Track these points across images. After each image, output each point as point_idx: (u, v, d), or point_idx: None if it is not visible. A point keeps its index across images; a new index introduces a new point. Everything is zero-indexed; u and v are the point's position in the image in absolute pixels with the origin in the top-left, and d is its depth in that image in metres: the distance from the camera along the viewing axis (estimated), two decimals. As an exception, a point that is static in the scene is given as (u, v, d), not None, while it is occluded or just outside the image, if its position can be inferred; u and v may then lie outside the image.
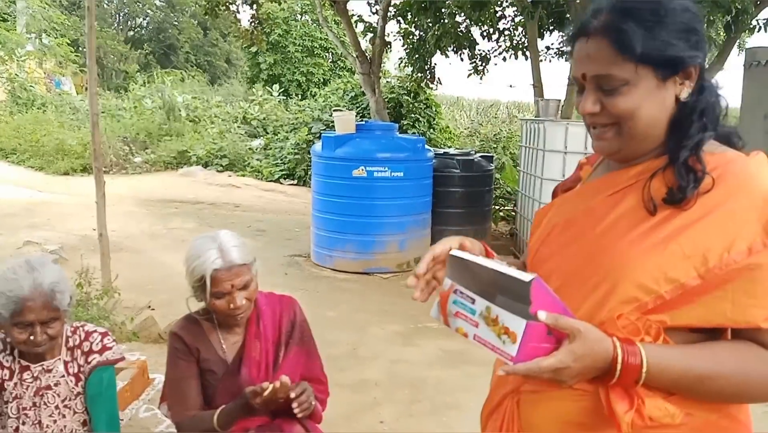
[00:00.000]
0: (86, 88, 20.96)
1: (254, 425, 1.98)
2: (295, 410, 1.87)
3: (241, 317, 1.97)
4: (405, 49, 10.61)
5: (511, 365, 1.00)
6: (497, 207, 9.19)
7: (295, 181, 12.18)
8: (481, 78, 11.14)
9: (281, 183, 12.18)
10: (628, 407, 1.07)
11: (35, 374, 1.94)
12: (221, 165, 13.07)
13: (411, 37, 10.29)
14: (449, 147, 11.81)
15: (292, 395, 1.85)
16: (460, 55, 10.54)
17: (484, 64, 10.85)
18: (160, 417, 3.25)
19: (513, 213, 8.69)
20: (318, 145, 6.77)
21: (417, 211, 6.74)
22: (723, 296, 1.05)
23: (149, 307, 4.49)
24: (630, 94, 1.08)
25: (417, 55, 10.38)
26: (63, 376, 1.97)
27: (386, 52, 10.17)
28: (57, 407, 1.96)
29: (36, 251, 6.16)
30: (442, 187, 7.20)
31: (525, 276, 1.00)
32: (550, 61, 10.30)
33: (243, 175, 12.70)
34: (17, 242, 6.49)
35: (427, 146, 7.19)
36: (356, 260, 6.45)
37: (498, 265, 1.05)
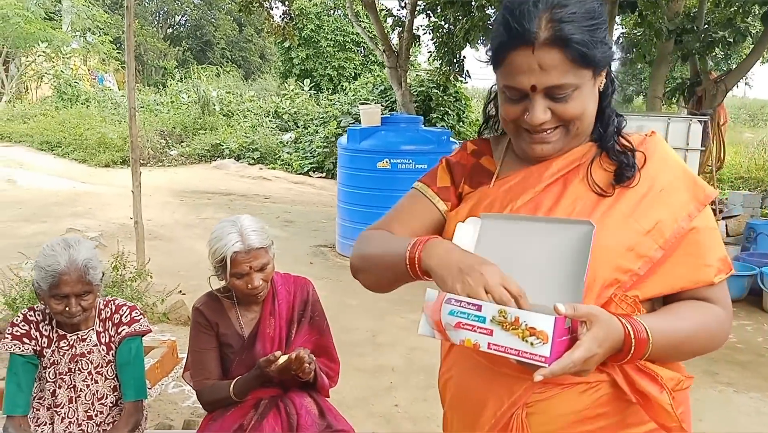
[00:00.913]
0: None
1: (267, 396, 2.15)
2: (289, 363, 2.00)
3: (258, 296, 2.13)
4: (434, 43, 10.69)
5: (547, 368, 0.94)
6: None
7: (324, 174, 12.39)
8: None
9: (310, 176, 12.42)
10: (660, 388, 1.10)
11: (71, 343, 2.14)
12: (253, 158, 13.38)
13: (440, 30, 10.37)
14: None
15: (293, 356, 1.99)
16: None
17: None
18: (187, 393, 3.46)
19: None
20: (344, 138, 6.93)
21: (441, 203, 6.84)
22: (678, 262, 1.14)
23: (179, 291, 4.72)
24: (579, 98, 1.12)
25: (446, 49, 10.45)
26: (96, 345, 2.16)
27: (415, 46, 10.25)
28: (90, 373, 2.16)
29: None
30: (466, 180, 7.28)
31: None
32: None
33: (273, 168, 12.98)
34: (61, 230, 6.84)
35: (453, 139, 7.28)
36: (380, 251, 6.59)
37: None
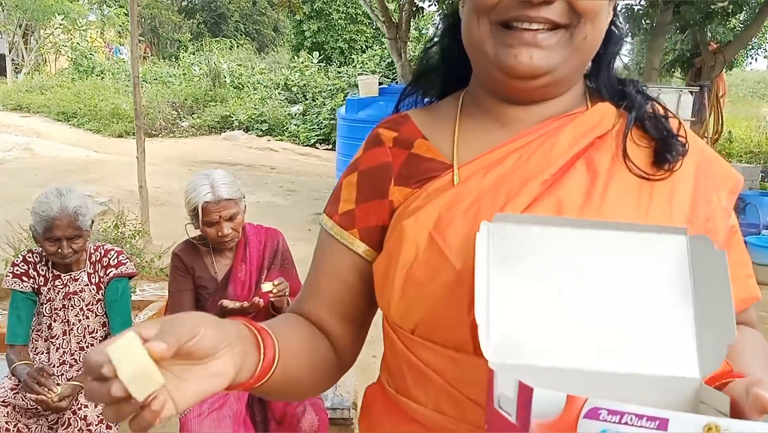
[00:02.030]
0: (144, 57, 21.95)
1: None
2: (272, 297, 2.23)
3: (228, 243, 2.36)
4: (439, 14, 10.75)
5: None
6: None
7: (330, 146, 12.61)
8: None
9: (317, 147, 12.65)
10: None
11: (65, 282, 2.41)
12: (261, 130, 13.62)
13: (445, 2, 10.41)
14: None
15: (275, 282, 2.23)
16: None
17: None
18: (181, 341, 3.75)
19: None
20: (343, 109, 7.13)
21: (437, 172, 7.03)
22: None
23: (179, 251, 5.02)
24: None
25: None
26: (87, 284, 2.43)
27: (418, 17, 10.32)
28: (82, 309, 2.42)
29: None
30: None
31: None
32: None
33: (281, 140, 13.22)
34: (71, 196, 7.16)
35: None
36: (375, 217, 6.83)
37: None
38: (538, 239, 0.66)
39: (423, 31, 16.14)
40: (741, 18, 9.66)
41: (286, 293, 2.29)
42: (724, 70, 8.03)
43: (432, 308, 0.74)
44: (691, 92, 6.20)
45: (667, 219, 0.75)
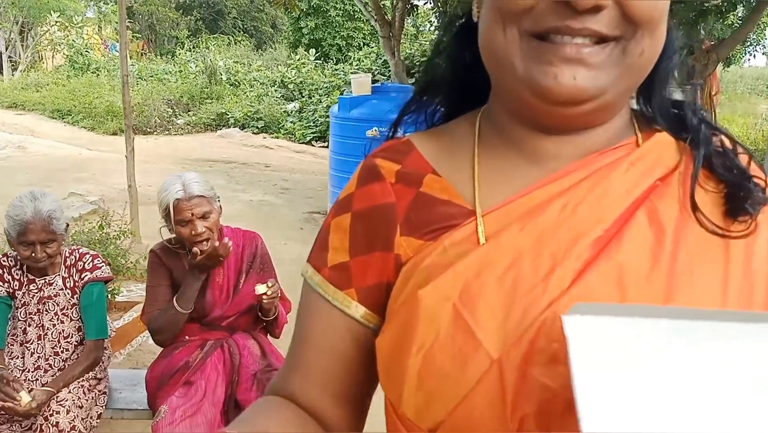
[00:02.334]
0: (141, 54, 21.90)
1: (213, 338, 2.37)
2: (264, 300, 2.23)
3: (203, 244, 2.32)
4: (434, 13, 10.72)
5: None
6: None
7: (326, 144, 12.54)
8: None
9: (312, 145, 12.60)
10: None
11: (39, 286, 2.38)
12: (257, 127, 13.58)
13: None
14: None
15: (269, 284, 2.24)
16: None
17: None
18: (166, 342, 3.72)
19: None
20: (336, 107, 7.10)
21: (430, 171, 7.01)
22: None
23: (168, 251, 4.99)
24: None
25: (446, 18, 10.48)
26: (62, 289, 2.40)
27: (412, 15, 10.29)
28: (56, 314, 2.40)
29: (79, 201, 6.78)
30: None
31: None
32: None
33: (277, 137, 13.17)
34: (63, 194, 7.11)
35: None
36: (367, 217, 6.81)
37: None
38: (634, 336, 0.49)
39: (420, 29, 16.11)
40: (739, 14, 9.62)
41: (278, 296, 2.27)
42: (717, 68, 7.99)
43: (461, 404, 0.57)
44: (683, 91, 6.16)
45: (749, 288, 0.59)
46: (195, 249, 2.22)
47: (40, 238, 2.24)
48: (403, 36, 9.88)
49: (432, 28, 12.00)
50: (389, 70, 12.95)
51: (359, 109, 6.77)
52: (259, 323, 2.46)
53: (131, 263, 4.34)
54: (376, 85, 7.27)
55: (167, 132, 13.44)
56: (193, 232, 2.25)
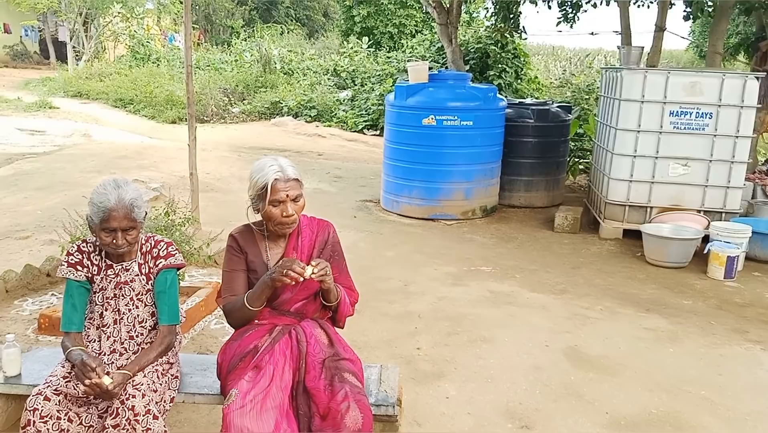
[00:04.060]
0: (197, 44, 22.40)
1: (282, 324, 2.40)
2: (314, 273, 2.22)
3: (289, 227, 2.35)
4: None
5: None
6: (577, 159, 9.13)
7: (378, 132, 12.56)
8: (571, 26, 10.85)
9: (364, 133, 12.62)
10: None
11: (116, 271, 2.45)
12: (310, 115, 13.70)
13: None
14: (536, 98, 11.70)
15: (313, 263, 2.23)
16: (549, 2, 10.32)
17: (574, 11, 10.54)
18: (227, 330, 3.78)
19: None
20: (392, 95, 7.07)
21: (485, 160, 6.92)
22: None
23: (229, 238, 5.09)
24: None
25: (502, 4, 10.28)
26: (137, 275, 2.47)
27: (470, 2, 10.13)
28: (132, 299, 2.46)
29: (142, 188, 6.98)
30: (514, 137, 7.32)
31: None
32: (639, 6, 9.84)
33: (329, 126, 13.26)
34: (126, 181, 7.35)
35: (501, 95, 7.28)
36: (422, 206, 6.78)
37: None
38: None
39: (473, 15, 15.85)
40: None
41: (327, 273, 2.28)
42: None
43: None
44: (757, 78, 5.87)
45: None
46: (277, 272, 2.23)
47: (121, 225, 2.30)
48: (458, 23, 9.74)
49: (488, 14, 11.76)
50: (443, 58, 12.81)
51: (416, 97, 6.72)
52: (326, 312, 2.48)
53: (194, 249, 4.45)
54: (432, 72, 7.19)
55: (223, 120, 13.71)
56: (284, 213, 2.30)
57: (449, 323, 4.13)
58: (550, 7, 10.35)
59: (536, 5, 10.17)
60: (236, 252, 2.42)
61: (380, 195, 7.27)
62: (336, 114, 13.66)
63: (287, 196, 2.28)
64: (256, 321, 2.40)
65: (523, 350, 3.78)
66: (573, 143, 8.72)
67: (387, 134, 7.14)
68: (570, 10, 10.49)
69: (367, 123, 12.94)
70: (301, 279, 2.21)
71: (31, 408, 2.15)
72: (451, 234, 6.33)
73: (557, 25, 10.67)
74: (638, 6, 9.78)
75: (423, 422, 2.99)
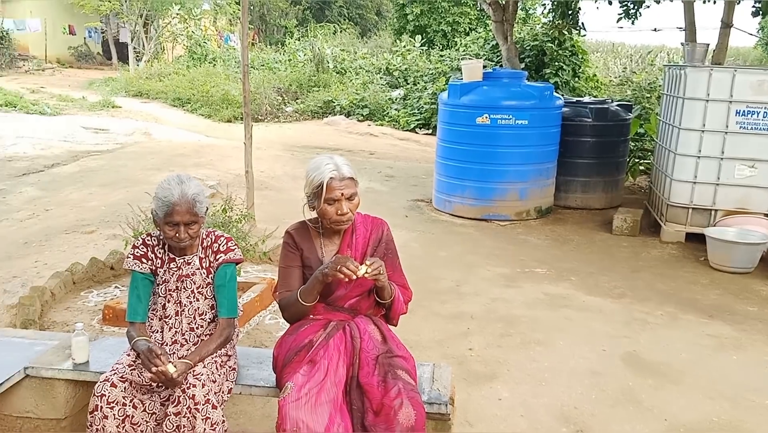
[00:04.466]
0: (252, 44, 22.89)
1: (336, 319, 2.43)
2: (368, 273, 2.24)
3: (343, 225, 2.39)
4: (547, -5, 10.35)
5: None
6: (637, 159, 8.87)
7: (430, 131, 12.52)
8: (632, 22, 10.57)
9: (416, 132, 12.61)
10: None
11: (179, 265, 2.53)
12: (362, 114, 13.78)
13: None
14: (594, 96, 11.43)
15: (367, 262, 2.25)
16: (609, -3, 10.07)
17: (636, 7, 10.26)
18: (281, 325, 3.86)
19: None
20: (445, 94, 7.03)
21: (541, 160, 6.81)
22: None
23: (282, 237, 5.16)
24: None
25: (561, 0, 10.09)
26: (198, 268, 2.54)
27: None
28: (193, 292, 2.54)
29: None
30: (571, 136, 7.17)
31: None
32: (704, 2, 9.47)
33: (381, 125, 13.30)
34: (184, 178, 7.56)
35: (557, 94, 7.15)
36: (474, 206, 6.72)
37: None
38: None
39: (530, 12, 15.60)
40: None
41: (381, 272, 2.29)
42: None
43: None
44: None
45: None
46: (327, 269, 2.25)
47: (184, 219, 2.38)
48: (513, 20, 9.61)
49: (545, 11, 11.56)
50: (497, 56, 12.67)
51: (470, 96, 6.67)
52: (379, 309, 2.49)
53: (250, 245, 4.54)
54: (487, 71, 7.12)
55: (276, 119, 13.95)
56: (339, 211, 2.33)
57: (502, 325, 4.08)
58: (610, 3, 10.11)
59: (596, 1, 9.95)
60: (292, 249, 2.47)
61: (432, 195, 7.24)
62: (388, 113, 13.69)
63: (342, 194, 2.31)
64: (311, 316, 2.44)
65: (579, 353, 3.70)
66: (633, 143, 8.47)
67: (440, 133, 7.11)
68: (631, 6, 10.22)
69: (420, 122, 12.93)
70: (354, 277, 2.23)
71: (99, 394, 2.24)
72: (504, 235, 6.25)
73: (618, 22, 10.41)
74: (704, 2, 9.43)
75: (475, 422, 2.97)
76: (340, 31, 22.83)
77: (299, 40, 20.64)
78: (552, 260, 5.46)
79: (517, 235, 6.26)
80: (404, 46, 17.49)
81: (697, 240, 5.77)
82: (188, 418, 2.20)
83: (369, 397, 2.25)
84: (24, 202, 6.88)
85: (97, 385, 2.27)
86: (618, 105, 7.65)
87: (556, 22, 10.63)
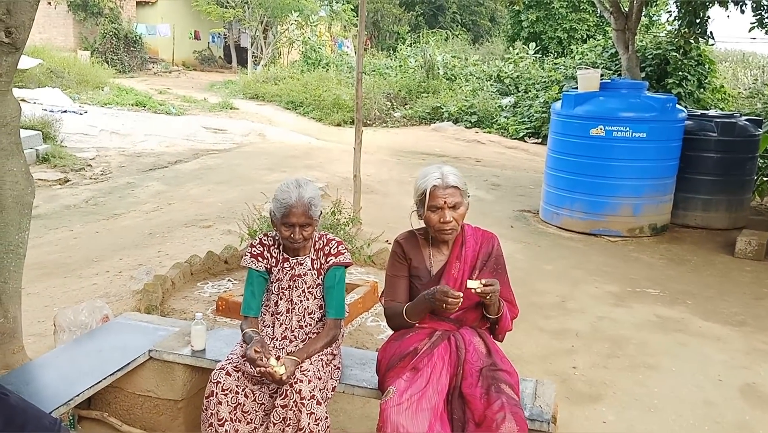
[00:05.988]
0: (365, 49, 23.43)
1: (442, 329, 2.44)
2: (479, 290, 2.25)
3: (449, 234, 2.40)
4: (675, 2, 9.80)
5: None
6: (765, 178, 8.19)
7: (540, 140, 12.22)
8: (767, 32, 9.79)
9: (525, 141, 12.35)
10: None
11: (292, 265, 2.64)
12: (470, 121, 13.69)
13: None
14: (721, 109, 10.70)
15: (483, 282, 2.26)
16: (742, 5, 9.38)
17: (772, 14, 9.48)
18: (382, 327, 3.92)
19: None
20: (558, 104, 6.85)
21: (658, 175, 6.46)
22: None
23: (386, 241, 5.25)
24: None
25: (689, 8, 9.51)
26: (309, 269, 2.64)
27: (651, 6, 9.50)
28: (303, 292, 2.64)
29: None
30: (694, 151, 6.76)
31: None
32: None
33: (489, 132, 13.15)
34: (295, 179, 7.88)
35: (680, 106, 6.76)
36: (584, 220, 6.48)
37: None
38: None
39: (654, 18, 14.83)
40: None
41: (492, 292, 2.27)
42: None
43: None
44: None
45: None
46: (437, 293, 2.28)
47: (300, 221, 2.49)
48: (635, 28, 9.17)
49: (671, 18, 10.94)
50: (616, 64, 12.15)
51: (584, 107, 6.45)
52: (485, 321, 2.47)
53: (356, 248, 4.65)
54: (604, 81, 6.86)
55: (384, 124, 14.17)
56: (441, 220, 2.35)
57: (609, 345, 3.91)
58: (743, 12, 9.40)
59: (726, 9, 9.30)
60: (400, 258, 2.50)
61: (539, 206, 7.07)
62: (497, 120, 13.52)
63: (445, 203, 2.33)
64: (417, 324, 2.46)
65: (693, 382, 3.48)
66: (762, 160, 7.83)
67: (551, 143, 6.93)
68: (766, 15, 9.45)
69: (529, 130, 12.66)
70: (456, 308, 2.27)
71: (215, 381, 2.38)
72: (614, 251, 5.98)
73: (750, 31, 9.66)
74: None
75: (577, 445, 2.87)
76: (452, 38, 22.83)
77: (411, 46, 20.86)
78: (666, 281, 5.16)
79: (629, 252, 5.97)
80: (517, 53, 17.20)
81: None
82: (294, 412, 2.29)
83: (471, 408, 2.24)
84: (150, 196, 7.46)
85: (213, 372, 2.42)
86: (746, 119, 7.11)
87: (683, 31, 10.02)
